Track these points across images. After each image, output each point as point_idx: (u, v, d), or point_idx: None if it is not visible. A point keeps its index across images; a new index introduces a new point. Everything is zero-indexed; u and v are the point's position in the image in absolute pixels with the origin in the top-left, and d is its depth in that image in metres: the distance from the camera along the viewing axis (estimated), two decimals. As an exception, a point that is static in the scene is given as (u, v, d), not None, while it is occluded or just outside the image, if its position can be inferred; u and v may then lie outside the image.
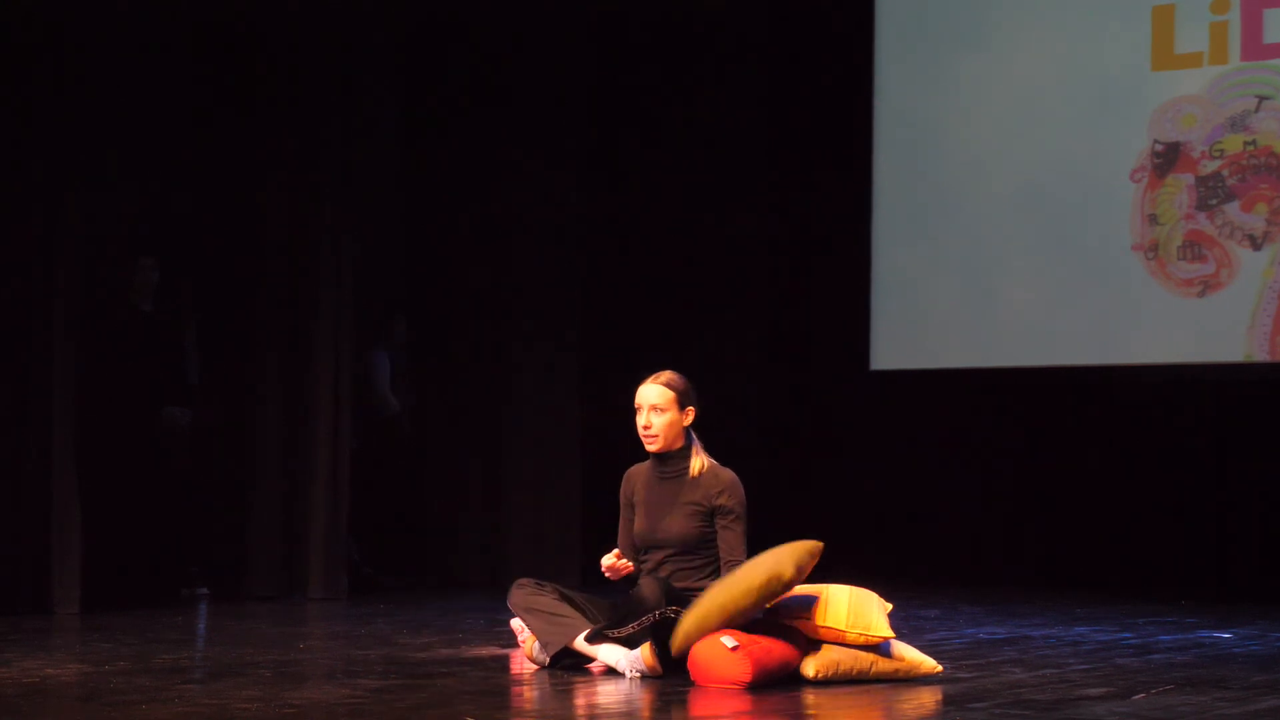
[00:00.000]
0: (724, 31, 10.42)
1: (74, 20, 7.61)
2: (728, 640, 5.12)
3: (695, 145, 10.35)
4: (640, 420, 5.63)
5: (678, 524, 5.59)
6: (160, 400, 8.40)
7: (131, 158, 8.35)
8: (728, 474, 5.64)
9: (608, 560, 5.60)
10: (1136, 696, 4.96)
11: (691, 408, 5.65)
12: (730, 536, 5.56)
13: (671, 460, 5.66)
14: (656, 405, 5.61)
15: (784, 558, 5.15)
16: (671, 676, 5.24)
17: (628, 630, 5.34)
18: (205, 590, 8.57)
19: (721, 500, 5.56)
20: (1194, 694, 5.03)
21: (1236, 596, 8.59)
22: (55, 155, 7.57)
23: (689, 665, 5.21)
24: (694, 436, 5.69)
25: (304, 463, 8.56)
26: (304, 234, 8.64)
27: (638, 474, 5.77)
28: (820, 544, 5.20)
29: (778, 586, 5.12)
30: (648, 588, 5.35)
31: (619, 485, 5.84)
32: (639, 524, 5.68)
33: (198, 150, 8.77)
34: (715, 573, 5.55)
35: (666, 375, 5.67)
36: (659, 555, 5.62)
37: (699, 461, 5.65)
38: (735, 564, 5.47)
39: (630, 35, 10.34)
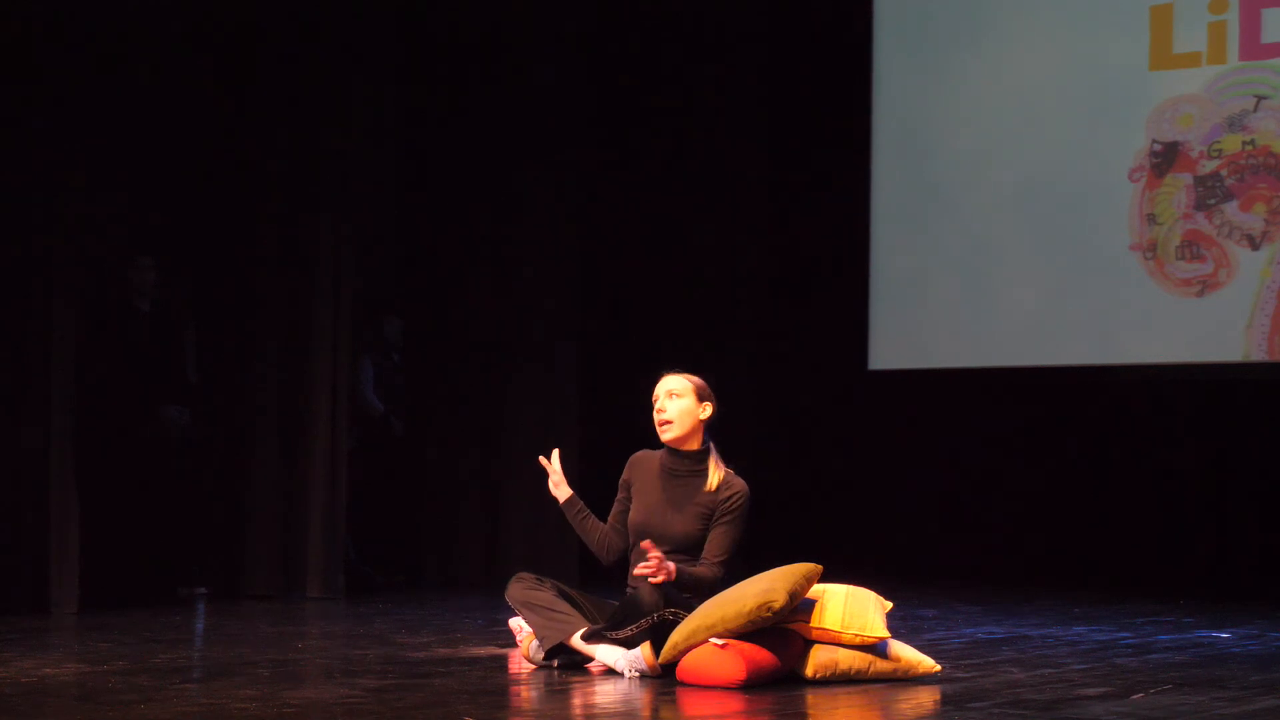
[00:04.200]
0: (724, 31, 10.43)
1: (75, 22, 7.61)
2: (715, 639, 5.11)
3: (695, 143, 10.36)
4: (657, 406, 5.60)
5: (682, 524, 5.55)
6: (159, 399, 8.40)
7: (131, 158, 8.36)
8: (740, 483, 5.59)
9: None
10: (1134, 696, 4.96)
11: (710, 403, 5.60)
12: (720, 537, 5.52)
13: (687, 460, 5.60)
14: (673, 390, 5.58)
15: (778, 584, 5.10)
16: (670, 676, 5.24)
17: (626, 633, 5.33)
18: (203, 589, 8.57)
19: (728, 503, 5.53)
20: (1192, 694, 5.03)
21: (1235, 596, 8.59)
22: (55, 155, 7.56)
23: (681, 665, 5.20)
24: (713, 446, 5.63)
25: (302, 462, 8.56)
26: (303, 232, 8.65)
27: (645, 461, 5.70)
28: (818, 567, 5.16)
29: (768, 614, 5.06)
30: (647, 592, 5.33)
31: (618, 485, 5.79)
32: (638, 514, 5.62)
33: (197, 150, 8.77)
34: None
35: (685, 373, 5.65)
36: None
37: (717, 476, 5.58)
38: (713, 566, 5.47)
39: (631, 34, 10.34)
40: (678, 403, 5.57)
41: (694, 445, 5.62)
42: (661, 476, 5.63)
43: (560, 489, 5.77)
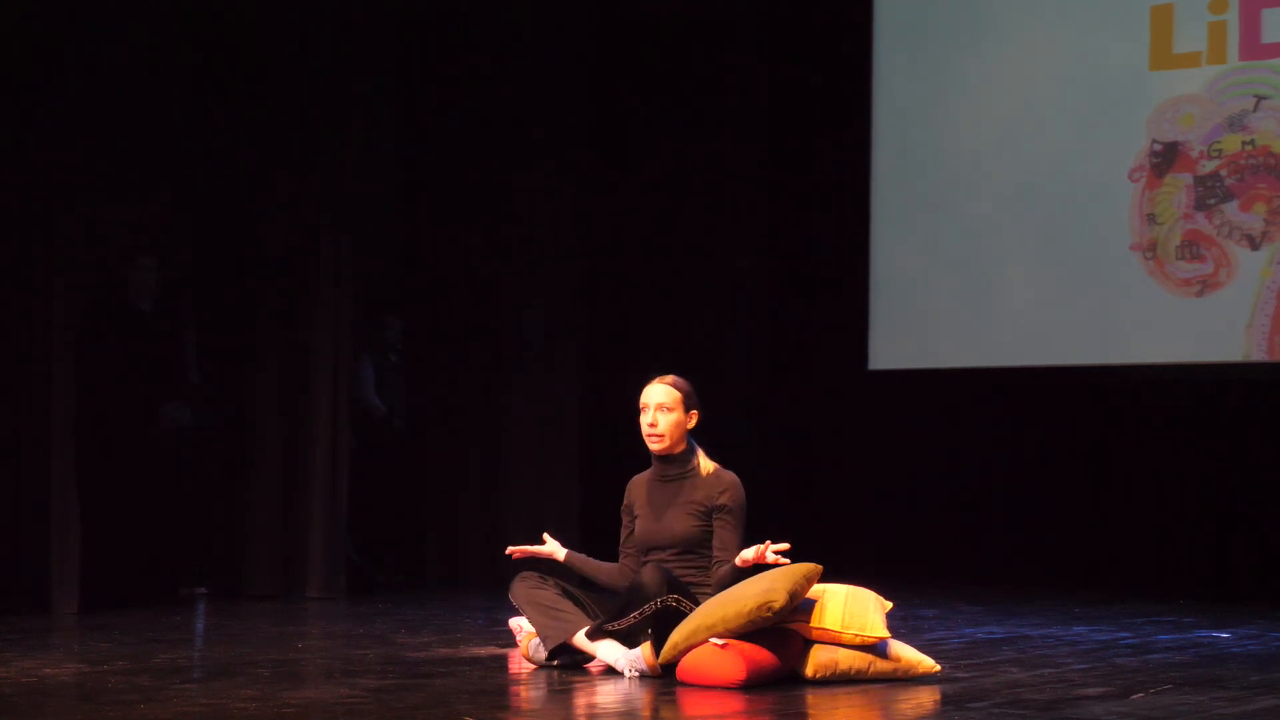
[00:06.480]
0: (724, 30, 10.43)
1: (75, 23, 7.61)
2: (715, 639, 5.12)
3: (695, 143, 10.35)
4: (646, 418, 5.66)
5: (678, 523, 5.61)
6: (160, 399, 8.40)
7: (132, 159, 8.36)
8: (730, 476, 5.67)
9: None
10: (1134, 696, 4.97)
11: (695, 411, 5.70)
12: (724, 534, 5.57)
13: (674, 463, 5.68)
14: (663, 404, 5.65)
15: (778, 584, 5.12)
16: (670, 676, 5.24)
17: (629, 621, 5.34)
18: (204, 589, 8.58)
19: (722, 500, 5.58)
20: (1192, 694, 5.03)
21: (1235, 596, 8.59)
22: (56, 156, 7.57)
23: (681, 665, 5.20)
24: (694, 442, 5.72)
25: (303, 462, 8.57)
26: (303, 233, 8.65)
27: (639, 482, 5.81)
28: (818, 567, 5.18)
29: (768, 614, 5.08)
30: (649, 575, 5.35)
31: (618, 485, 5.88)
32: (640, 526, 5.71)
33: (198, 152, 8.77)
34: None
35: (672, 377, 5.73)
36: (659, 556, 5.63)
37: (707, 464, 5.68)
38: (725, 562, 5.49)
39: (631, 35, 10.34)
40: (668, 417, 5.65)
41: (680, 449, 5.69)
42: (654, 486, 5.72)
43: (555, 547, 5.87)
